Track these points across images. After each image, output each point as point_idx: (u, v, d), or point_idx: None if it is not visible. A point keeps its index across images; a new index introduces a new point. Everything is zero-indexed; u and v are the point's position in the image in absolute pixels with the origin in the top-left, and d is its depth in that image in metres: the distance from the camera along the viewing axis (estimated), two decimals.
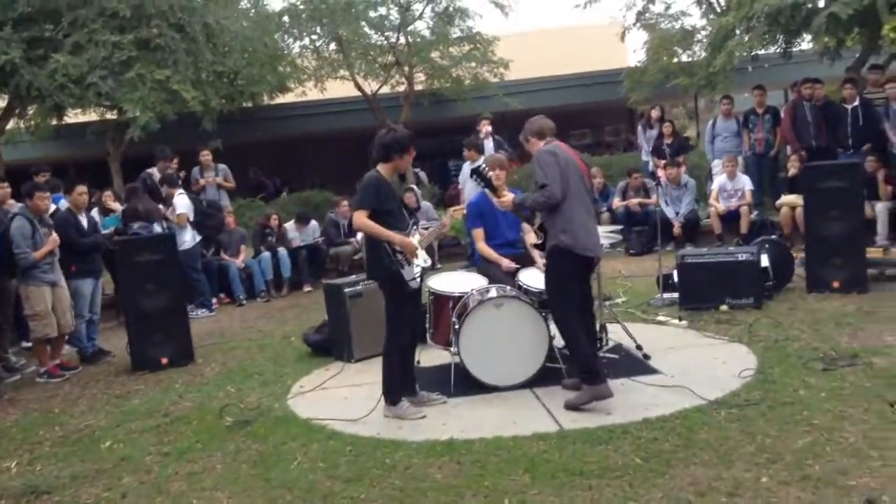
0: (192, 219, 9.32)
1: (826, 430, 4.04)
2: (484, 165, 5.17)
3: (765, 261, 7.19)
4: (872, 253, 7.55)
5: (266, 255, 10.28)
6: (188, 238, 9.13)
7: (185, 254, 8.69)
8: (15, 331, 7.60)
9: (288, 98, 16.84)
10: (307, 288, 10.39)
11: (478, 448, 4.21)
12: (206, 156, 11.10)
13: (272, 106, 16.88)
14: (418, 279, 4.83)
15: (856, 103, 9.76)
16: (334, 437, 4.62)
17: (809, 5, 10.07)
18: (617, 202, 11.14)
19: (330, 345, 6.59)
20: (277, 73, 14.85)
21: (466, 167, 10.63)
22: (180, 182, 9.98)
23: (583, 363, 4.73)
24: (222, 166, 11.24)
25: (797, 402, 4.48)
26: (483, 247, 6.14)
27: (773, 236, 8.34)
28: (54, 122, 13.90)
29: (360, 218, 4.71)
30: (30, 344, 7.29)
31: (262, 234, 10.57)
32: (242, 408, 5.35)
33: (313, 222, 11.16)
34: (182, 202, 9.26)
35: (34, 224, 6.67)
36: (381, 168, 4.83)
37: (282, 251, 10.36)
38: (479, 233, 6.19)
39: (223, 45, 13.07)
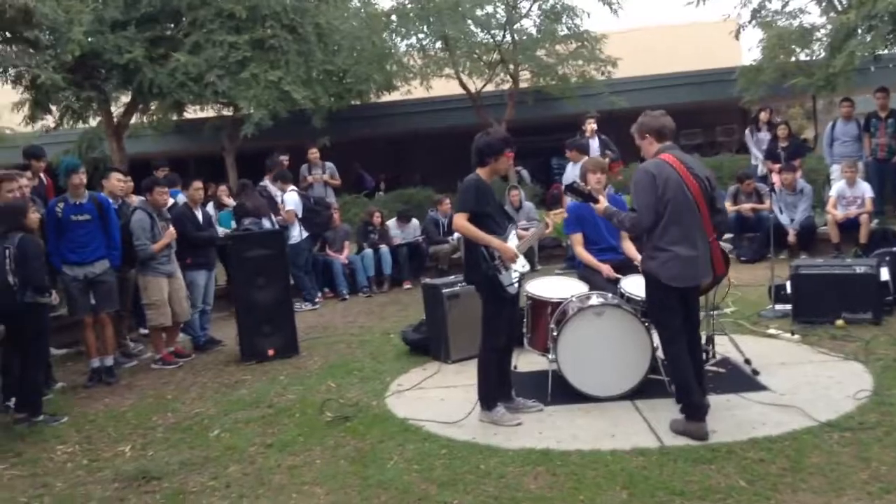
0: (300, 215, 9.61)
1: None
2: (577, 181, 5.05)
3: (885, 274, 6.79)
4: None
5: (369, 251, 10.49)
6: (296, 234, 9.43)
7: (291, 249, 8.96)
8: (133, 318, 8.03)
9: (394, 96, 17.10)
10: (407, 285, 10.53)
11: (574, 460, 4.16)
12: (313, 153, 11.42)
13: (378, 104, 17.18)
14: (516, 284, 4.79)
15: None
16: (430, 439, 4.66)
17: None
18: (728, 206, 10.74)
19: (428, 344, 6.66)
20: (384, 71, 15.11)
21: (570, 168, 10.50)
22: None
23: (678, 393, 4.50)
24: (329, 164, 11.54)
25: None
26: (582, 252, 6.04)
27: (895, 248, 7.85)
28: (174, 117, 14.59)
29: (460, 220, 4.73)
30: (147, 331, 7.68)
31: (365, 232, 10.79)
32: (342, 403, 5.48)
33: (414, 220, 11.31)
34: (291, 199, 9.56)
35: (153, 217, 7.02)
36: (480, 171, 4.83)
37: (384, 248, 10.55)
38: (578, 237, 6.09)
39: (333, 44, 13.40)
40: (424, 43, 15.86)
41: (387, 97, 17.10)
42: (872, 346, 5.83)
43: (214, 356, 7.43)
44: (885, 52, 11.25)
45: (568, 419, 4.83)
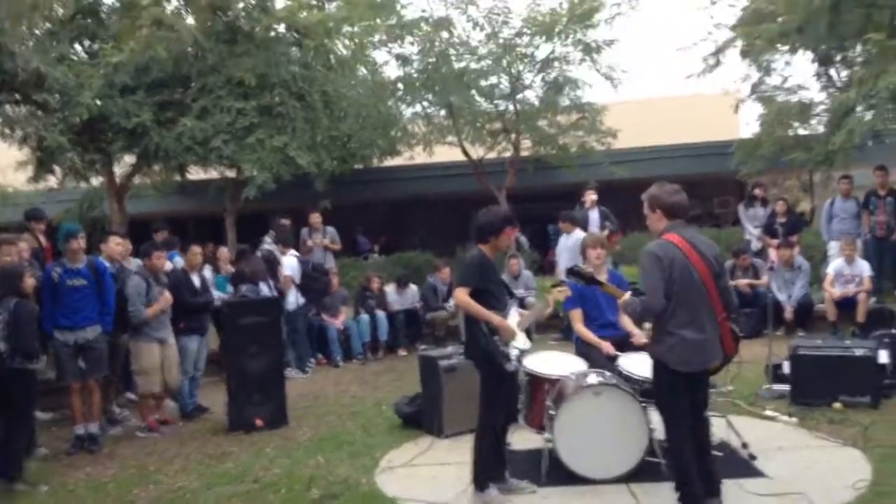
0: (297, 281, 9.59)
1: None
2: (579, 265, 4.97)
3: (883, 357, 6.73)
4: None
5: (365, 317, 10.43)
6: (292, 300, 9.39)
7: (287, 316, 8.93)
8: (121, 382, 7.92)
9: (396, 161, 17.29)
10: (403, 352, 10.46)
11: None
12: (315, 218, 11.46)
13: (381, 168, 17.36)
14: (515, 362, 4.76)
15: None
16: None
17: None
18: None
19: (421, 417, 6.56)
20: (388, 137, 15.30)
21: (563, 239, 10.53)
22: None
23: (677, 480, 4.37)
24: (330, 228, 11.57)
25: None
26: (581, 329, 6.02)
27: (894, 330, 7.81)
28: (177, 178, 14.70)
29: (461, 296, 4.74)
30: (134, 396, 7.57)
31: (362, 297, 10.75)
32: (330, 480, 5.36)
33: (413, 286, 11.28)
34: (289, 264, 9.56)
35: (149, 282, 7.00)
36: (483, 247, 4.86)
37: (380, 314, 10.49)
38: (577, 314, 6.07)
39: (339, 110, 13.59)
40: (429, 111, 16.11)
41: (389, 162, 17.28)
42: (871, 432, 5.74)
43: (201, 424, 7.30)
44: (885, 129, 11.38)
45: (562, 502, 4.71)
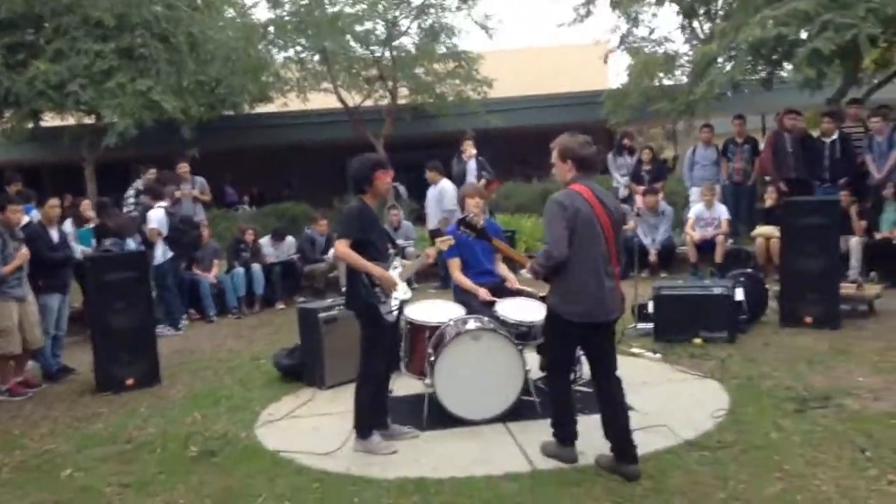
0: (165, 234, 9.16)
1: (797, 476, 4.02)
2: (470, 213, 4.96)
3: (739, 294, 7.19)
4: (845, 288, 7.58)
5: (239, 270, 10.13)
6: (159, 254, 8.96)
7: (155, 270, 8.56)
8: None
9: (269, 108, 16.78)
10: (280, 305, 10.28)
11: (449, 488, 4.13)
12: (183, 168, 10.96)
13: (252, 115, 16.80)
14: (395, 312, 4.78)
15: (834, 137, 9.86)
16: (302, 472, 4.52)
17: (792, 37, 10.15)
18: None
19: (301, 370, 6.49)
20: (260, 82, 14.79)
21: (432, 192, 10.54)
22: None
23: (554, 420, 4.49)
24: (199, 179, 11.10)
25: (769, 445, 4.47)
26: (459, 276, 6.07)
27: (749, 269, 8.36)
28: (30, 125, 13.69)
29: (342, 248, 4.67)
30: None
31: (236, 249, 10.43)
32: (208, 436, 5.22)
33: (289, 238, 11.06)
34: (156, 216, 9.10)
35: (5, 238, 6.52)
36: (364, 197, 4.79)
37: (255, 267, 10.22)
38: (455, 262, 6.11)
39: (206, 54, 12.98)
40: (302, 55, 15.67)
41: (261, 109, 16.75)
42: (728, 364, 6.15)
43: (67, 386, 6.93)
44: (743, 80, 12.00)
45: (443, 445, 4.81)
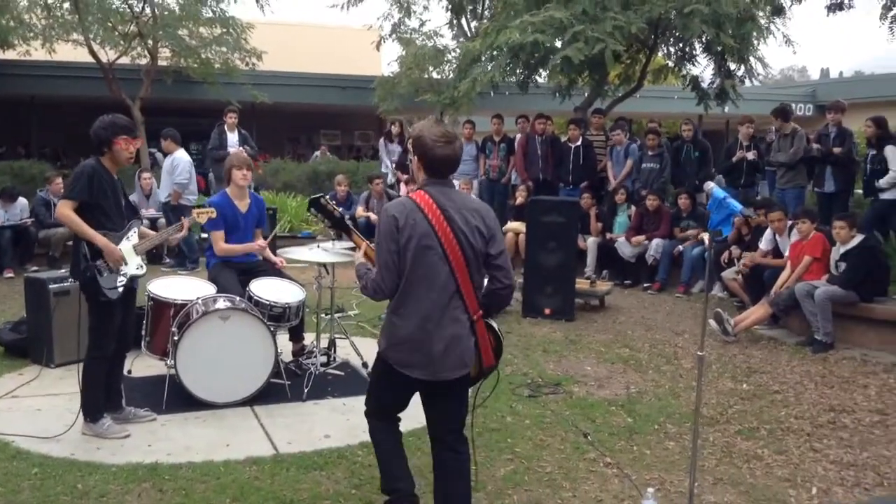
0: None
1: (526, 458, 4.33)
2: (326, 195, 4.13)
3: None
4: (581, 284, 8.30)
5: None
6: None
7: None
8: None
9: (9, 55, 15.03)
10: (8, 274, 9.27)
11: (185, 474, 3.97)
12: None
13: None
14: (120, 289, 4.38)
15: (578, 143, 10.73)
16: (20, 457, 4.12)
17: (548, 45, 10.88)
18: (360, 211, 11.22)
19: (27, 345, 5.90)
20: None
21: (166, 162, 10.11)
22: None
23: (382, 474, 3.48)
24: None
25: (504, 428, 4.77)
26: (226, 247, 5.75)
27: None
28: None
29: (64, 209, 4.24)
30: None
31: None
32: None
33: (22, 199, 9.98)
34: None
35: None
36: (102, 159, 4.38)
37: None
38: (219, 234, 5.76)
39: None
40: (50, 1, 14.17)
41: (0, 55, 14.95)
42: None
43: None
44: (503, 81, 12.68)
45: (183, 429, 4.61)
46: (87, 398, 4.44)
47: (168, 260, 10.29)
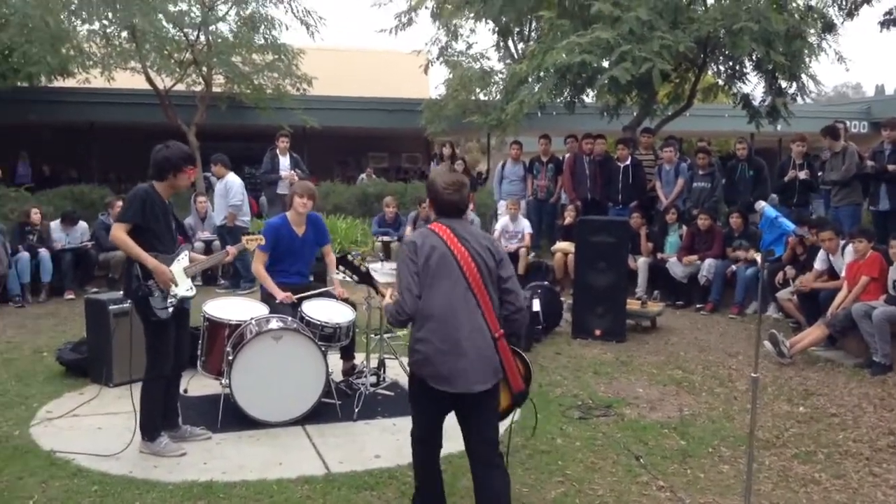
0: None
1: (577, 481, 4.31)
2: (353, 254, 4.59)
3: (536, 305, 7.59)
4: (631, 304, 8.23)
5: (24, 255, 9.30)
6: None
7: None
8: None
9: (69, 83, 15.60)
10: (69, 295, 9.54)
11: (239, 492, 4.04)
12: None
13: (51, 89, 15.56)
14: (170, 310, 4.51)
15: (627, 162, 10.68)
16: (80, 474, 4.24)
17: (595, 65, 10.88)
18: (409, 231, 11.32)
19: (87, 365, 6.08)
20: (59, 54, 13.68)
21: (219, 186, 10.33)
22: None
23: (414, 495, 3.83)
24: None
25: (554, 450, 4.75)
26: (260, 270, 5.84)
27: (546, 282, 8.86)
28: None
29: (118, 232, 4.44)
30: None
31: (22, 233, 9.58)
32: None
33: (82, 223, 10.31)
34: None
35: None
36: (157, 185, 4.55)
37: (43, 253, 9.43)
38: (262, 255, 5.86)
39: None
40: (109, 30, 14.68)
41: (61, 83, 15.52)
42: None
43: None
44: (550, 102, 12.70)
45: (237, 447, 4.70)
46: (144, 417, 4.56)
47: (223, 281, 10.50)
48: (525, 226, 10.71)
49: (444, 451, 4.52)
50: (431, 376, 3.38)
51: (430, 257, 3.37)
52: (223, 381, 5.02)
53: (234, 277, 10.25)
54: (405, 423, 5.02)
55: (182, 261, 4.64)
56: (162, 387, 4.58)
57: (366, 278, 4.36)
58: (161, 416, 4.62)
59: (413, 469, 3.75)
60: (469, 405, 3.44)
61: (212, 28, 15.05)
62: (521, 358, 3.58)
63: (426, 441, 3.64)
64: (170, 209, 4.66)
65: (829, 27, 12.08)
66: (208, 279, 10.51)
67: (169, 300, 4.49)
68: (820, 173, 9.65)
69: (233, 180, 10.16)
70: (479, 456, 3.50)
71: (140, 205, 4.42)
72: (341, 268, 4.45)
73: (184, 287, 4.59)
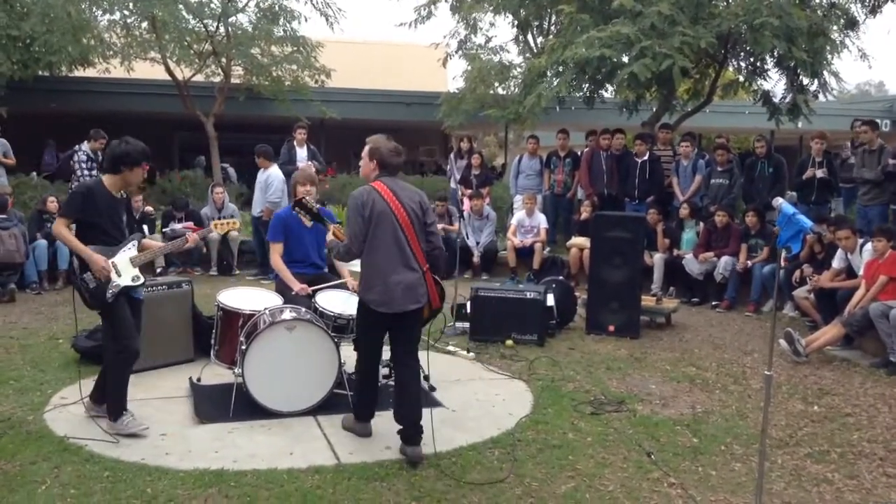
0: None
1: (588, 476, 4.28)
2: (306, 197, 4.97)
3: (550, 300, 7.57)
4: (646, 301, 8.18)
5: (42, 243, 9.39)
6: None
7: None
8: None
9: (90, 72, 15.70)
10: None
11: (249, 480, 4.06)
12: None
13: (72, 78, 15.65)
14: (111, 298, 4.53)
15: (645, 158, 10.62)
16: (92, 460, 4.27)
17: (615, 60, 10.80)
18: None
19: (102, 352, 6.10)
20: (80, 44, 13.77)
21: (260, 176, 10.31)
22: None
23: (352, 395, 4.96)
24: (2, 141, 10.19)
25: (565, 445, 4.73)
26: (278, 262, 5.91)
27: (560, 277, 8.83)
28: None
29: (57, 226, 4.65)
30: None
31: (39, 220, 9.66)
32: None
33: None
34: None
35: None
36: (107, 179, 4.65)
37: None
38: (277, 246, 5.94)
39: (21, 7, 11.97)
40: (129, 21, 14.75)
41: (82, 73, 15.62)
42: (535, 366, 6.47)
43: None
44: (568, 96, 12.62)
45: (249, 437, 4.71)
46: (113, 399, 4.66)
47: (237, 271, 10.52)
48: (541, 220, 10.67)
49: (454, 444, 4.61)
50: (374, 301, 4.37)
51: (373, 211, 4.33)
52: (236, 371, 5.03)
53: (263, 265, 10.25)
54: None
55: (129, 251, 4.68)
56: (130, 365, 4.68)
57: (317, 217, 4.86)
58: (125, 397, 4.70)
59: (357, 379, 4.81)
60: (400, 322, 4.47)
61: (231, 19, 15.08)
62: (439, 285, 4.66)
63: (372, 352, 4.67)
64: (121, 203, 4.75)
65: (852, 23, 11.94)
66: (224, 269, 10.57)
67: (109, 291, 4.52)
68: (840, 172, 9.54)
69: (275, 174, 10.11)
70: (401, 359, 4.60)
71: (80, 200, 4.54)
72: (297, 209, 4.92)
73: (127, 277, 4.63)
